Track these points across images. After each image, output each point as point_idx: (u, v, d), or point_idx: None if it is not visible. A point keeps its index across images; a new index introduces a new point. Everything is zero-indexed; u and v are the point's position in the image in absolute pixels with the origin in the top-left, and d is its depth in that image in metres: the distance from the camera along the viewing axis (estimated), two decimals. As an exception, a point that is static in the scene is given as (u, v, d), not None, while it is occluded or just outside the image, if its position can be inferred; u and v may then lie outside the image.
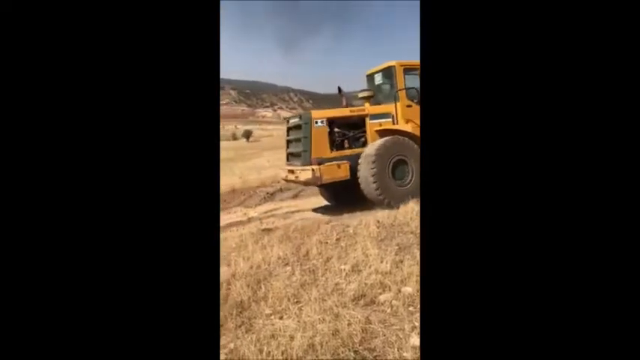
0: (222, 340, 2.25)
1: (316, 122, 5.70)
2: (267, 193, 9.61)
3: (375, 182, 5.37)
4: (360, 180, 5.57)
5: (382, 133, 5.95)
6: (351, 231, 4.25)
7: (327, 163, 5.54)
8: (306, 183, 5.80)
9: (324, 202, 7.08)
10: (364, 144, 6.02)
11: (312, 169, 5.42)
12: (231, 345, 2.16)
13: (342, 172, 5.60)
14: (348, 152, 5.89)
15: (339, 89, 6.85)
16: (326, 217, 5.51)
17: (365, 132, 6.09)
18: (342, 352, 1.90)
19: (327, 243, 3.91)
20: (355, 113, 6.16)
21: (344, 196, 6.29)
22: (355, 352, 1.88)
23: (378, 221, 4.36)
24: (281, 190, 9.92)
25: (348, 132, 6.12)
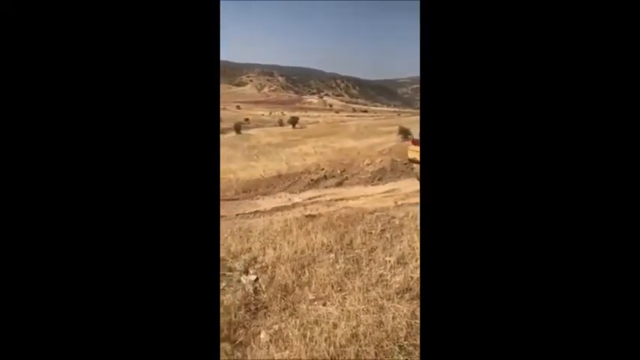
0: (267, 322, 2.31)
1: None
2: (312, 180, 9.68)
3: None
4: None
5: None
6: (397, 222, 4.16)
7: None
8: None
9: (368, 191, 6.99)
10: None
11: None
12: (276, 327, 2.22)
13: None
14: None
15: None
16: (370, 207, 5.43)
17: None
18: (387, 346, 1.87)
19: (371, 233, 3.85)
20: None
21: None
22: (400, 347, 1.84)
23: (426, 214, 4.21)
24: (325, 177, 9.95)
25: None
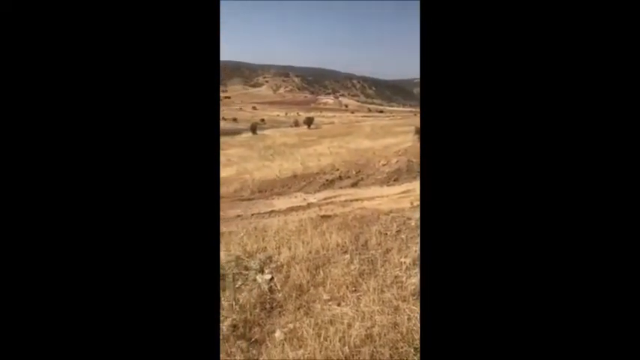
0: (282, 320, 2.33)
1: None
2: (327, 180, 9.69)
3: None
4: None
5: None
6: (413, 224, 4.11)
7: None
8: None
9: (383, 192, 6.95)
10: None
11: None
12: (290, 325, 2.24)
13: None
14: None
15: None
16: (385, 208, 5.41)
17: None
18: (402, 347, 1.85)
19: (386, 234, 3.83)
20: None
21: None
22: (415, 349, 1.82)
23: (442, 215, 4.16)
24: (340, 177, 9.95)
25: None
